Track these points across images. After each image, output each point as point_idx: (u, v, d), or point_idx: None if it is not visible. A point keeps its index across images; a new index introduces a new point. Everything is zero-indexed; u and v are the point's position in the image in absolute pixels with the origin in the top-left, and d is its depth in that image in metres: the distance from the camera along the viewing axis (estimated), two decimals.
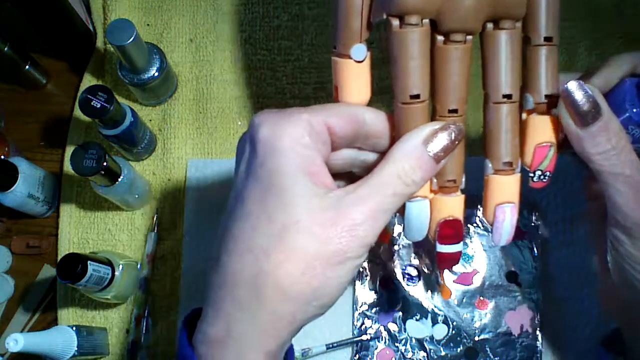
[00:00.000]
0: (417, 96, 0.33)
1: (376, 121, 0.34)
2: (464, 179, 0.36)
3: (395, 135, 0.35)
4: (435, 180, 0.35)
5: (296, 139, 0.30)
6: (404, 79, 0.33)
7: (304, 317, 0.31)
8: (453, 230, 0.35)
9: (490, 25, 0.34)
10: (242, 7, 0.63)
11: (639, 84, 0.37)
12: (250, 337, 0.30)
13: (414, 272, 0.54)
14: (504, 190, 0.35)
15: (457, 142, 0.33)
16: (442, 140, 0.33)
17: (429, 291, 0.54)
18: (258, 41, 0.62)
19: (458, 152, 0.35)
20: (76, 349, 0.49)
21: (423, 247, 0.55)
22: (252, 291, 0.30)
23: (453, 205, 0.35)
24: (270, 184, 0.30)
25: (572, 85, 0.33)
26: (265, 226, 0.30)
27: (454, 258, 0.36)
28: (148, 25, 0.63)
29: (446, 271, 0.54)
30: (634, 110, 0.36)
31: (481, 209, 0.36)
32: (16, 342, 0.44)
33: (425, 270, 0.54)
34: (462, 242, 0.36)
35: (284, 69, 0.62)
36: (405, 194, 0.32)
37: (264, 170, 0.30)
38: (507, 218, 0.35)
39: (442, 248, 0.36)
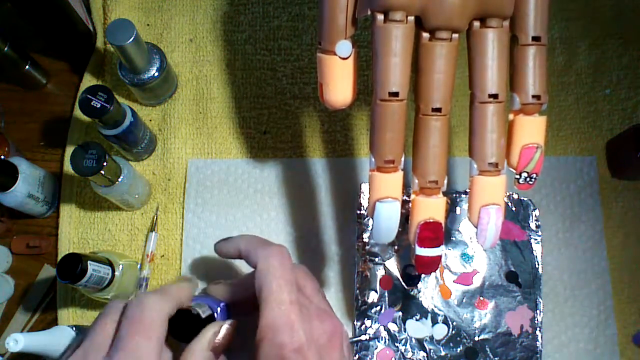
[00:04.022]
0: (396, 94, 0.33)
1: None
2: (446, 181, 0.35)
3: (371, 135, 0.34)
4: (416, 181, 0.35)
5: None
6: (384, 75, 0.33)
7: None
8: (433, 234, 0.35)
9: (477, 24, 0.34)
10: (242, 7, 0.63)
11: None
12: None
13: (414, 272, 0.54)
14: (489, 192, 0.34)
15: (233, 335, 0.38)
16: (223, 338, 0.38)
17: (429, 291, 0.54)
18: (258, 41, 0.62)
19: (441, 153, 0.35)
20: None
21: None
22: None
23: (434, 208, 0.35)
24: None
25: None
26: None
27: (434, 262, 0.35)
28: (148, 25, 0.63)
29: (446, 271, 0.54)
30: None
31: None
32: (16, 342, 0.44)
33: None
34: (442, 246, 0.35)
35: (284, 69, 0.62)
36: None
37: None
38: (491, 220, 0.34)
39: (422, 251, 0.35)
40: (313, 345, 0.37)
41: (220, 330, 0.38)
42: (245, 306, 0.44)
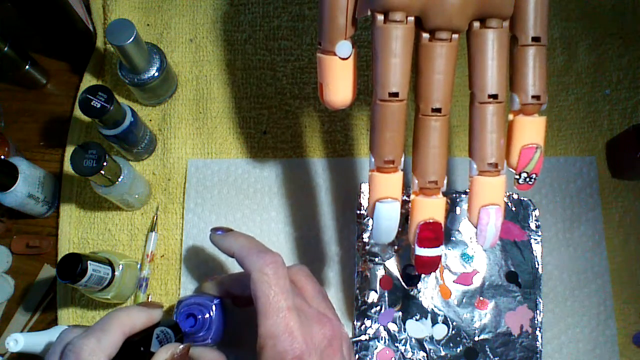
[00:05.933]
0: (396, 94, 0.33)
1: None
2: (446, 181, 0.35)
3: (371, 135, 0.34)
4: (416, 181, 0.35)
5: None
6: (384, 75, 0.33)
7: None
8: (433, 234, 0.35)
9: (476, 24, 0.34)
10: (242, 7, 0.63)
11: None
12: None
13: (413, 272, 0.54)
14: (489, 192, 0.34)
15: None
16: None
17: (429, 291, 0.54)
18: (258, 41, 0.62)
19: (440, 153, 0.35)
20: None
21: None
22: None
23: (434, 208, 0.35)
24: None
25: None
26: None
27: (434, 262, 0.36)
28: (148, 25, 0.63)
29: (446, 271, 0.54)
30: None
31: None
32: (16, 342, 0.44)
33: None
34: (442, 246, 0.35)
35: (284, 69, 0.62)
36: None
37: None
38: (491, 220, 0.34)
39: (421, 251, 0.35)
40: (314, 351, 0.37)
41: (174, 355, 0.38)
42: (244, 299, 0.44)
